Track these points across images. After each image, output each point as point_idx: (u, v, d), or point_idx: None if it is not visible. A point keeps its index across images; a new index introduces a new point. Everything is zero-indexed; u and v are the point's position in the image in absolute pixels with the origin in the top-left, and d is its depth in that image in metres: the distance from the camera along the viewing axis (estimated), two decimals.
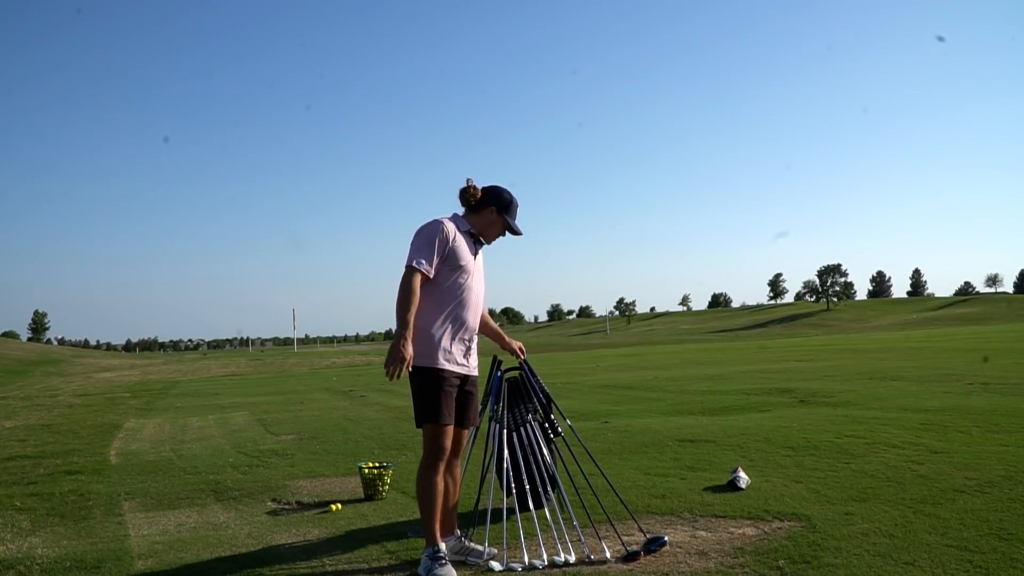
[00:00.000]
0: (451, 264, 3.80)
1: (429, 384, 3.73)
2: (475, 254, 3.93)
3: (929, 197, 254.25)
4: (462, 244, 3.85)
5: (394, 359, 3.58)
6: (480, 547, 3.94)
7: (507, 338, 4.26)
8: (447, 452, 3.78)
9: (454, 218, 3.95)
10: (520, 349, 4.26)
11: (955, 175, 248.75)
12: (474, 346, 3.94)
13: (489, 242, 4.04)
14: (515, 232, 4.06)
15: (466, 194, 3.97)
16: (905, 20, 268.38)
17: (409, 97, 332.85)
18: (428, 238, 3.77)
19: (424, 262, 3.73)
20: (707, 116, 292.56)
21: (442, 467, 3.76)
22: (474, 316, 3.90)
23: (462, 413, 3.90)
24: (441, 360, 3.76)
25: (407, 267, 3.75)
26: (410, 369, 3.64)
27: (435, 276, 3.79)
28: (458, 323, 3.82)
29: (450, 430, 3.77)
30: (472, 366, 3.93)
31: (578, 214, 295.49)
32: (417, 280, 3.72)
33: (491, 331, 4.25)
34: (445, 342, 3.77)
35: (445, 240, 3.79)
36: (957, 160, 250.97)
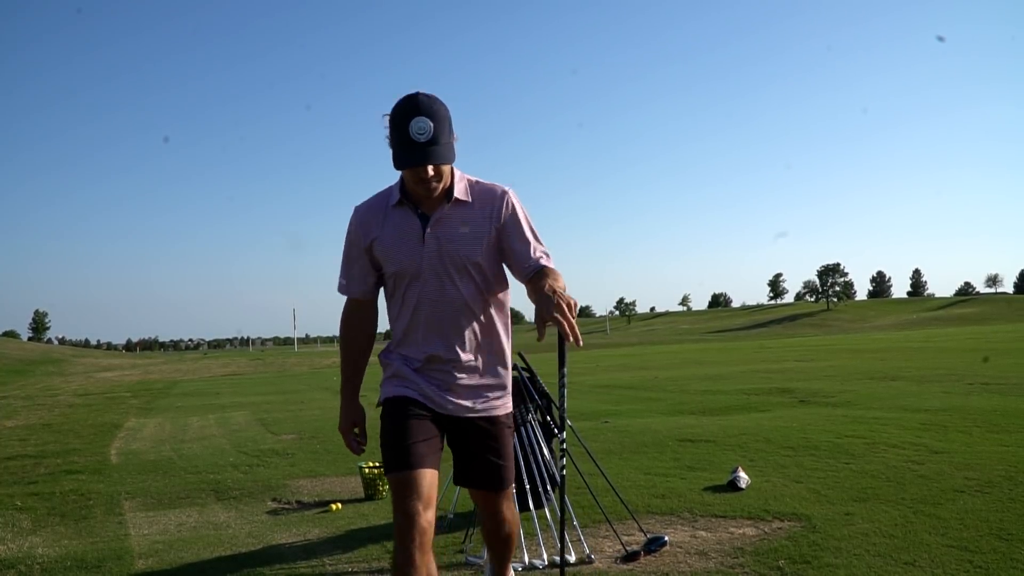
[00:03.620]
0: (386, 269, 2.55)
1: (381, 422, 2.51)
2: (423, 232, 2.45)
3: (929, 197, 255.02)
4: (388, 234, 2.49)
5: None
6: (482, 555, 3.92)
7: (544, 283, 2.26)
8: (417, 522, 2.26)
9: (378, 196, 2.58)
10: (556, 305, 2.12)
11: (955, 175, 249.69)
12: (461, 379, 2.51)
13: (423, 196, 2.42)
14: (404, 157, 2.32)
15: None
16: (905, 20, 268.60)
17: None
18: (344, 248, 2.62)
19: (344, 282, 2.63)
20: (707, 116, 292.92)
21: (414, 551, 2.24)
22: (435, 335, 2.49)
23: (466, 468, 2.63)
24: (392, 391, 2.52)
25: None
26: (359, 445, 2.66)
27: (385, 290, 2.62)
28: (414, 350, 2.51)
29: (419, 478, 2.32)
30: (458, 406, 2.52)
31: (578, 214, 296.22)
32: (348, 309, 2.65)
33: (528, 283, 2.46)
34: (405, 372, 2.53)
35: (355, 242, 2.56)
36: (957, 160, 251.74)
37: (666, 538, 3.93)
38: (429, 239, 2.47)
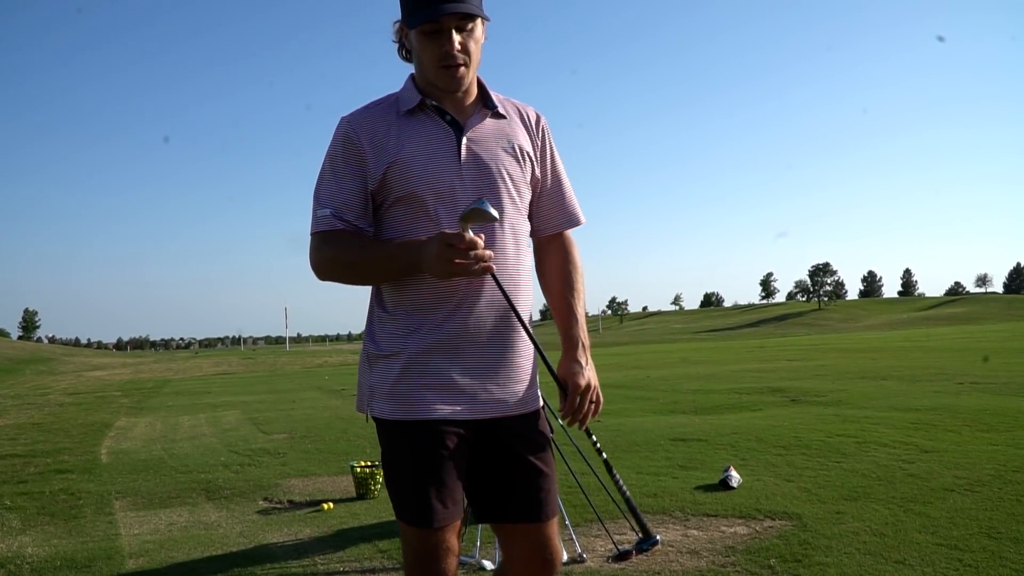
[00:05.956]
0: (389, 193, 1.85)
1: (392, 448, 1.91)
2: (458, 144, 1.84)
3: (921, 197, 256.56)
4: (411, 145, 1.83)
5: (446, 265, 1.70)
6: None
7: (578, 345, 1.94)
8: None
9: (378, 102, 1.91)
10: (576, 388, 1.88)
11: (953, 176, 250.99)
12: (507, 357, 1.87)
13: (447, 88, 1.83)
14: (419, 11, 1.76)
15: (400, 49, 1.92)
16: (905, 21, 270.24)
17: None
18: (328, 165, 1.89)
19: (330, 212, 1.84)
20: (706, 116, 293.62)
21: None
22: (471, 291, 1.81)
23: (502, 493, 1.89)
24: (410, 402, 1.83)
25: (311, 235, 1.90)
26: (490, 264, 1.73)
27: (381, 227, 1.90)
28: (438, 315, 1.81)
29: (454, 533, 1.82)
30: (501, 399, 1.86)
31: None
32: (331, 245, 1.85)
33: (558, 312, 1.99)
34: (411, 361, 1.82)
35: (349, 157, 1.85)
36: (955, 160, 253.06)
37: (658, 537, 3.93)
38: (467, 154, 1.85)
